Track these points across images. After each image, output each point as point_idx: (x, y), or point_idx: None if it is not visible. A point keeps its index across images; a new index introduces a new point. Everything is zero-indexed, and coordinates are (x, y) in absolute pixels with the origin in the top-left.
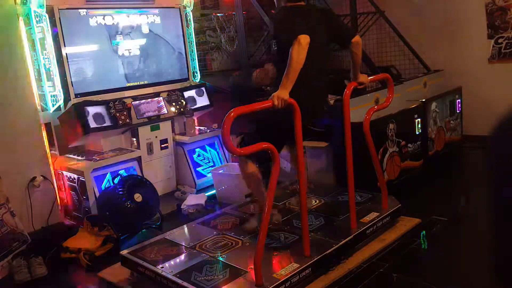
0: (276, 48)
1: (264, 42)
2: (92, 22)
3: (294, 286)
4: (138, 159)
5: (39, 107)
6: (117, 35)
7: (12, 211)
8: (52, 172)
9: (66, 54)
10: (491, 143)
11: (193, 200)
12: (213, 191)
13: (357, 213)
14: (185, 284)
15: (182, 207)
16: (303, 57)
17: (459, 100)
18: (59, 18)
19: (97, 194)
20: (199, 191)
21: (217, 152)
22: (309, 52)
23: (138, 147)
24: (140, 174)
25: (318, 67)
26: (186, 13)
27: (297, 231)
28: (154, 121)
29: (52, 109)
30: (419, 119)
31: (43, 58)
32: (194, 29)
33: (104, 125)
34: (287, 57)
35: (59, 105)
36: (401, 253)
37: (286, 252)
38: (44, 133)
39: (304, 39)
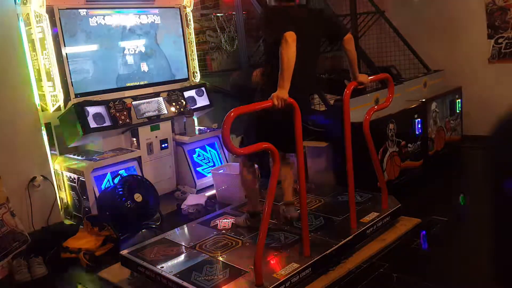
0: (263, 48)
1: (263, 42)
2: (92, 22)
3: (294, 286)
4: (138, 159)
5: (39, 107)
6: (117, 35)
7: (12, 211)
8: (52, 172)
9: (66, 54)
10: (491, 143)
11: (193, 200)
12: (213, 191)
13: (357, 213)
14: (185, 284)
15: (182, 207)
16: (293, 54)
17: (459, 100)
18: (59, 18)
19: (97, 194)
20: (199, 191)
21: (217, 152)
22: (296, 50)
23: (138, 147)
24: (140, 174)
25: (304, 66)
26: (186, 13)
27: (297, 231)
28: (154, 121)
29: (52, 109)
30: (419, 119)
31: (43, 58)
32: (194, 29)
33: (104, 125)
34: (273, 56)
35: (59, 105)
36: (401, 253)
37: (286, 252)
38: (44, 133)
39: (290, 36)
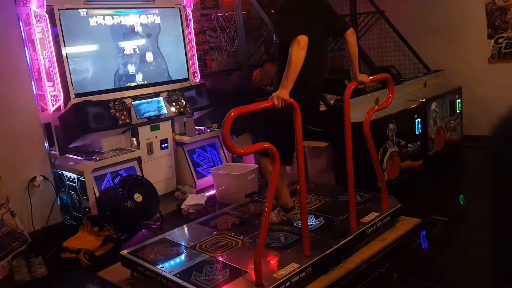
0: (277, 43)
1: (264, 42)
2: (92, 22)
3: (294, 286)
4: (138, 159)
5: (39, 107)
6: (117, 35)
7: (12, 211)
8: (52, 172)
9: (66, 54)
10: (491, 143)
11: (193, 200)
12: (213, 191)
13: (357, 213)
14: (185, 284)
15: (182, 207)
16: (302, 58)
17: (459, 100)
18: (59, 18)
19: (97, 194)
20: (199, 191)
21: (217, 152)
22: (307, 48)
23: (138, 147)
24: (140, 174)
25: (316, 63)
26: (186, 13)
27: (297, 231)
28: (154, 121)
29: (52, 109)
30: (419, 119)
31: (43, 58)
32: (194, 29)
33: (104, 125)
34: (284, 55)
35: (59, 105)
36: (401, 253)
37: (286, 252)
38: (44, 133)
39: (302, 40)
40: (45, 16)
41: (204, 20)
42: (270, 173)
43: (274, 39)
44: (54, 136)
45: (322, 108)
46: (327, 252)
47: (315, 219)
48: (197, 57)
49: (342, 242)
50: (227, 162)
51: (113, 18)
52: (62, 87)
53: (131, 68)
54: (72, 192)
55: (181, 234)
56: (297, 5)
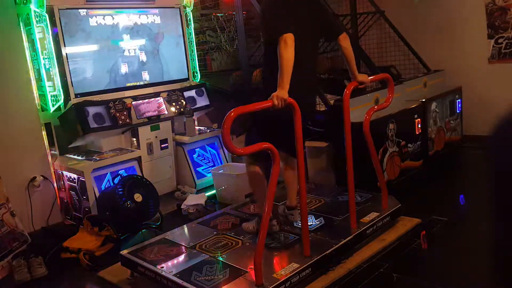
0: (263, 40)
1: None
2: (92, 22)
3: (294, 286)
4: (138, 159)
5: (39, 107)
6: (117, 35)
7: (12, 211)
8: (52, 172)
9: (66, 54)
10: (491, 143)
11: (193, 200)
12: (213, 191)
13: (357, 213)
14: (185, 284)
15: (182, 207)
16: (292, 55)
17: (459, 100)
18: (59, 18)
19: (97, 194)
20: (199, 191)
21: (217, 152)
22: (296, 47)
23: (138, 147)
24: (140, 174)
25: (306, 61)
26: (186, 13)
27: (297, 231)
28: (154, 121)
29: (52, 109)
30: (419, 119)
31: (43, 58)
32: (194, 29)
33: (104, 125)
34: (271, 51)
35: (59, 105)
36: (401, 253)
37: (286, 252)
38: (44, 133)
39: (289, 38)
40: (45, 16)
41: (204, 20)
42: (255, 180)
43: (261, 36)
44: (54, 136)
45: (322, 108)
46: (327, 252)
47: (315, 219)
48: (197, 57)
49: (342, 242)
50: (227, 162)
51: (113, 18)
52: (62, 87)
53: (131, 68)
54: (72, 192)
55: (181, 234)
56: (285, 3)
